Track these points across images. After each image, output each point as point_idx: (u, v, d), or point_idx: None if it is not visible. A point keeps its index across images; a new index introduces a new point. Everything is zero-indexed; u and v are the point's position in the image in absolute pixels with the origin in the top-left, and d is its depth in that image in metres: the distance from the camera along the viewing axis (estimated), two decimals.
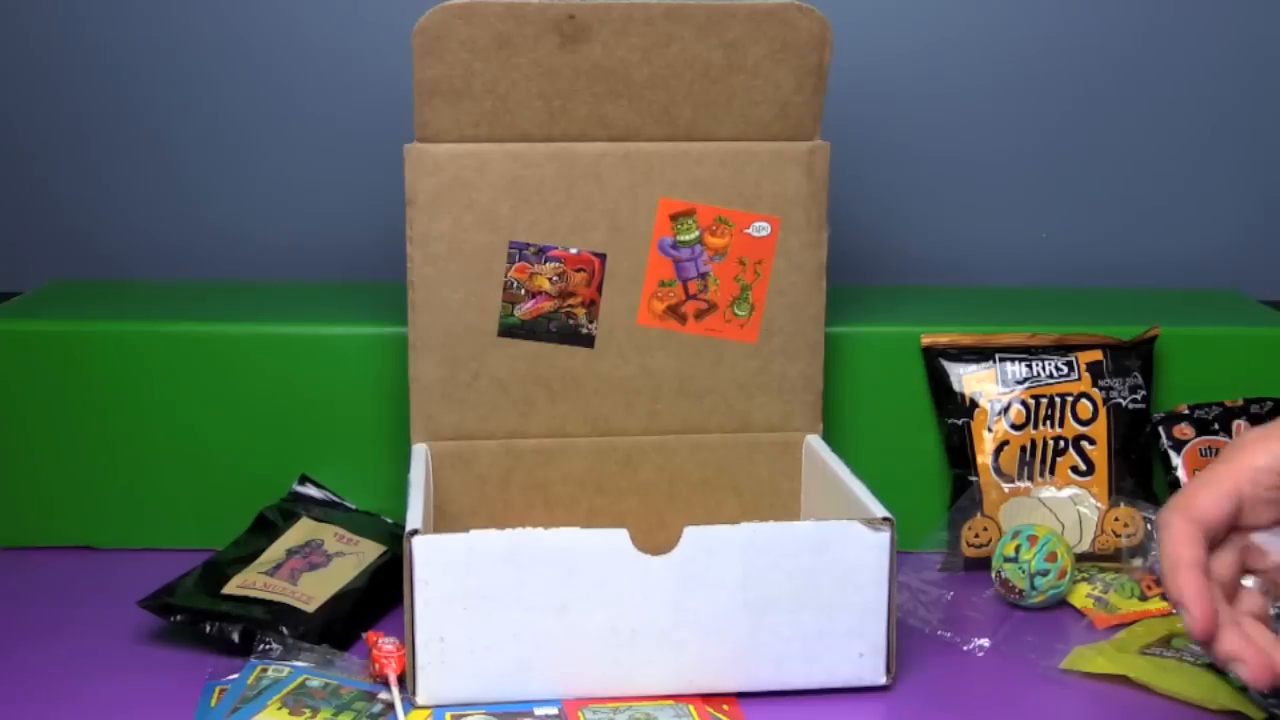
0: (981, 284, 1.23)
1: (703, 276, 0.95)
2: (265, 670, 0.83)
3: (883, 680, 0.83)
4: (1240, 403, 1.03)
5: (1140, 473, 1.02)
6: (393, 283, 1.01)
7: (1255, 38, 1.21)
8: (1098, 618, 0.93)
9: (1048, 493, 1.01)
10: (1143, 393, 1.03)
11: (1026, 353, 1.03)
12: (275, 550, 0.95)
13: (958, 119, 1.21)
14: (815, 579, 0.81)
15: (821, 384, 0.98)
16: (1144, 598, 0.95)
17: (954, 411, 1.02)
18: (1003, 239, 1.24)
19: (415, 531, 0.79)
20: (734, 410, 0.98)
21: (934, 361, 1.03)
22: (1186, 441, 1.02)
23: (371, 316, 1.03)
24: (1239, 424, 1.02)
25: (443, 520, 0.96)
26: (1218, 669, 0.83)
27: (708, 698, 0.82)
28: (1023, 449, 1.01)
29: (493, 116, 0.91)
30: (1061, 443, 1.01)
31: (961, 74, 1.20)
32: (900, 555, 0.87)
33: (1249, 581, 0.68)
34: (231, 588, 0.90)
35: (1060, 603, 0.95)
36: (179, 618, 0.88)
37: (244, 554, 0.95)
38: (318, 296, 1.10)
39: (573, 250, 0.94)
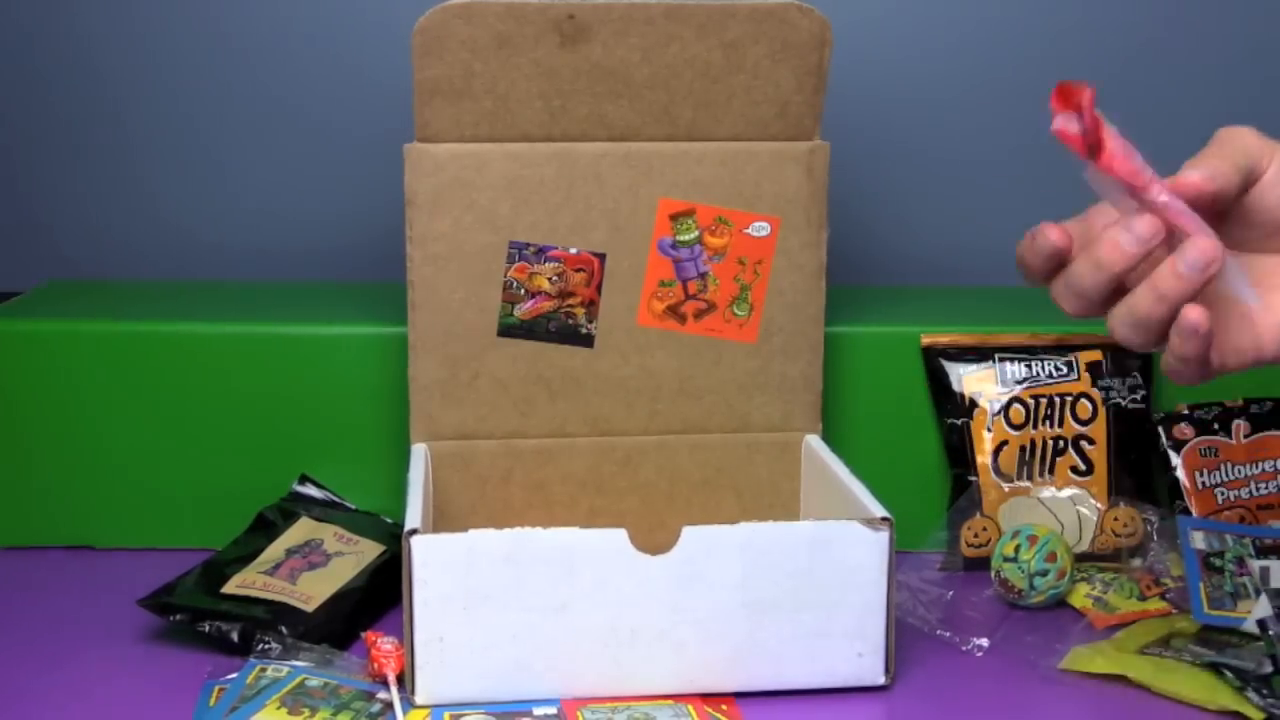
0: (981, 284, 1.23)
1: (702, 276, 0.95)
2: (264, 670, 0.83)
3: (882, 680, 0.83)
4: (1240, 402, 1.03)
5: (1140, 473, 1.02)
6: (392, 283, 1.01)
7: (1256, 38, 1.21)
8: (1097, 618, 0.93)
9: (1047, 493, 1.01)
10: (1142, 393, 1.03)
11: (1026, 353, 1.03)
12: (275, 550, 0.95)
13: (958, 119, 1.21)
14: (814, 579, 0.81)
15: (821, 384, 0.98)
16: (1143, 598, 0.95)
17: (953, 411, 1.02)
18: (1003, 239, 1.23)
19: (414, 531, 0.79)
20: (733, 410, 0.98)
21: (934, 361, 1.03)
22: (1186, 441, 1.02)
23: (371, 316, 1.03)
24: (1238, 424, 1.02)
25: (442, 520, 0.96)
26: (1217, 669, 0.83)
27: (706, 697, 0.82)
28: (1022, 449, 1.01)
29: (493, 116, 0.91)
30: (1061, 443, 1.01)
31: (962, 74, 1.20)
32: (900, 555, 0.87)
33: None
34: (231, 587, 0.90)
35: (1059, 603, 0.95)
36: (178, 617, 0.88)
37: (243, 554, 0.95)
38: (318, 296, 1.10)
39: (572, 250, 0.94)
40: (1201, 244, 0.58)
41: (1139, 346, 0.62)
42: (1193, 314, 0.59)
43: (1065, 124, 0.58)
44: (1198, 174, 0.58)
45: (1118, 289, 0.62)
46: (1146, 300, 0.59)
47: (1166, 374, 0.61)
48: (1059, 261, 0.62)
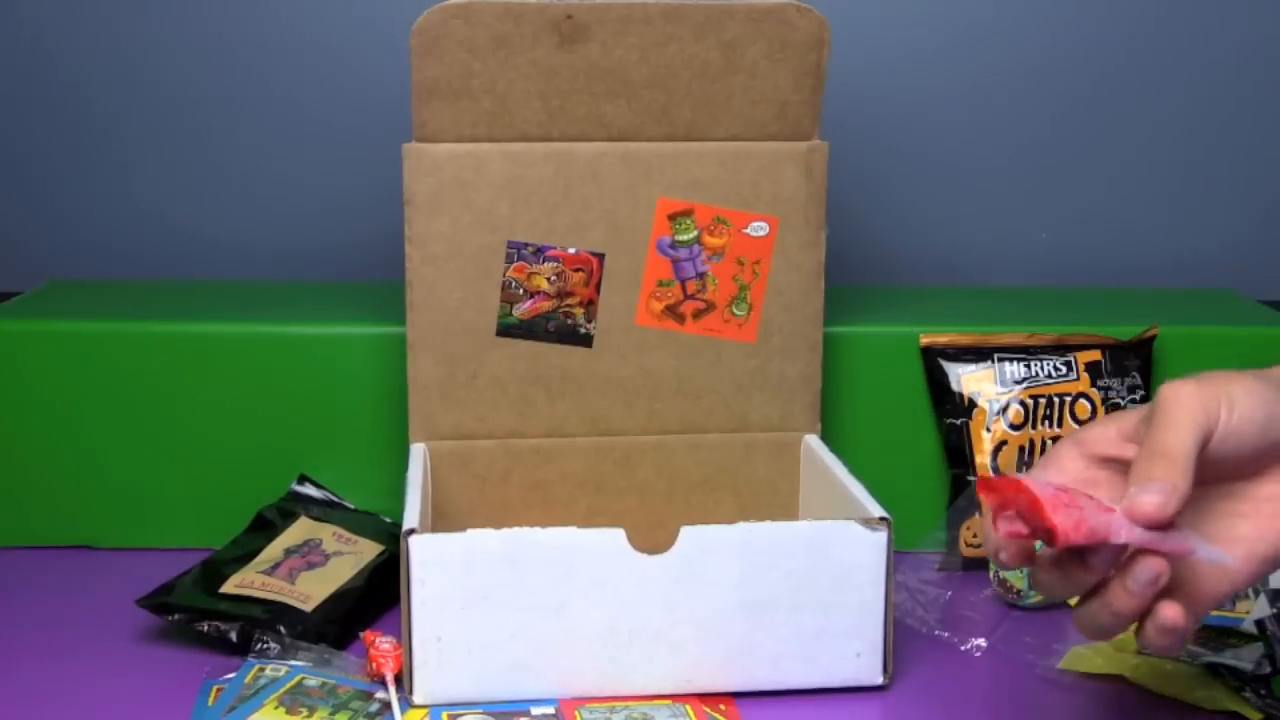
0: (981, 284, 1.23)
1: (701, 276, 0.95)
2: (263, 669, 0.83)
3: (880, 680, 0.83)
4: None
5: None
6: (391, 282, 1.02)
7: (1254, 38, 1.21)
8: None
9: None
10: (1141, 393, 1.03)
11: (1025, 353, 1.03)
12: (273, 549, 0.95)
13: (957, 119, 1.21)
14: (812, 579, 0.81)
15: (820, 384, 0.98)
16: None
17: (952, 411, 1.02)
18: (1002, 239, 1.24)
19: (412, 531, 0.79)
20: (732, 410, 0.98)
21: (932, 361, 1.03)
22: None
23: (370, 316, 1.03)
24: None
25: (441, 520, 0.96)
26: (1215, 669, 0.83)
27: (705, 697, 0.82)
28: (1021, 449, 1.01)
29: (491, 116, 0.91)
30: None
31: (961, 73, 1.20)
32: (898, 555, 0.87)
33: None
34: (230, 587, 0.90)
35: (1058, 603, 0.95)
36: (177, 617, 0.88)
37: (242, 553, 0.95)
38: (317, 296, 1.10)
39: (571, 250, 0.94)
40: (1148, 563, 0.59)
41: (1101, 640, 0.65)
42: (1169, 612, 0.60)
43: (1011, 525, 0.60)
44: (1150, 502, 0.58)
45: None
46: (1103, 615, 0.61)
47: (1144, 647, 0.63)
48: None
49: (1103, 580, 0.61)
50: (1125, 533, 0.58)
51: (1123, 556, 0.60)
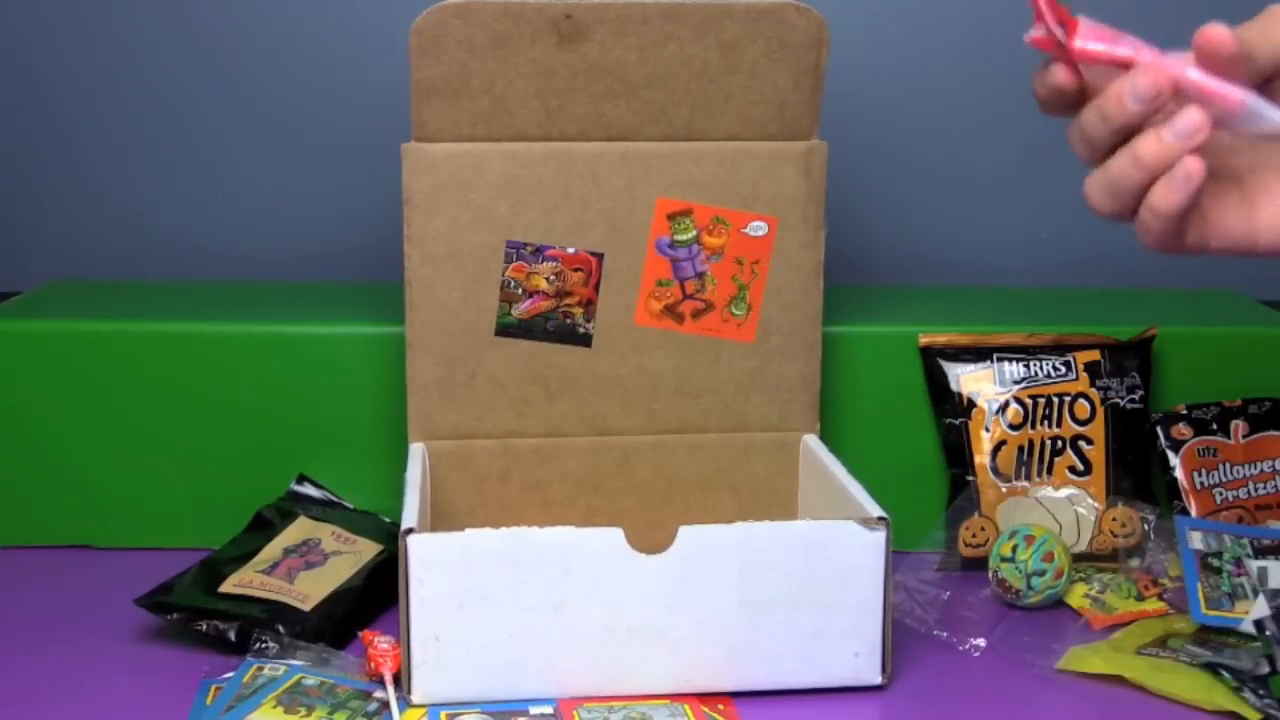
0: (980, 284, 1.22)
1: (700, 276, 0.95)
2: (261, 669, 0.83)
3: (878, 680, 0.83)
4: (1238, 403, 1.03)
5: (1138, 473, 1.02)
6: (390, 282, 1.02)
7: None
8: (1094, 618, 0.93)
9: (1045, 493, 1.01)
10: (1140, 393, 1.03)
11: (1024, 352, 1.03)
12: (272, 549, 0.95)
13: (956, 118, 1.21)
14: (811, 578, 0.81)
15: (819, 384, 0.98)
16: (1141, 598, 0.95)
17: (951, 411, 1.02)
18: (1002, 239, 1.24)
19: (411, 530, 0.79)
20: (731, 410, 0.98)
21: (931, 361, 1.03)
22: (1184, 441, 1.02)
23: (369, 316, 1.03)
24: (1237, 424, 1.02)
25: (440, 520, 0.96)
26: (1214, 669, 0.83)
27: (703, 697, 0.82)
28: (1020, 449, 1.01)
29: (490, 116, 0.91)
30: (1059, 443, 1.01)
31: (960, 73, 1.20)
32: (897, 555, 0.87)
33: None
34: (228, 586, 0.90)
35: (1057, 603, 0.95)
36: (176, 616, 0.88)
37: (241, 553, 0.95)
38: (316, 296, 1.11)
39: (570, 250, 0.94)
40: (1189, 112, 0.56)
41: (1110, 213, 0.60)
42: (1192, 163, 0.57)
43: (1037, 33, 0.57)
44: (1221, 30, 0.57)
45: (1126, 140, 0.61)
46: (1124, 165, 0.58)
47: (1138, 230, 0.60)
48: (1071, 100, 0.61)
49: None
50: (1177, 65, 0.56)
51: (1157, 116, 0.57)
